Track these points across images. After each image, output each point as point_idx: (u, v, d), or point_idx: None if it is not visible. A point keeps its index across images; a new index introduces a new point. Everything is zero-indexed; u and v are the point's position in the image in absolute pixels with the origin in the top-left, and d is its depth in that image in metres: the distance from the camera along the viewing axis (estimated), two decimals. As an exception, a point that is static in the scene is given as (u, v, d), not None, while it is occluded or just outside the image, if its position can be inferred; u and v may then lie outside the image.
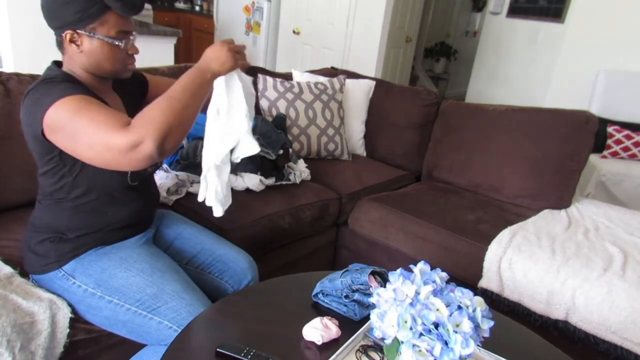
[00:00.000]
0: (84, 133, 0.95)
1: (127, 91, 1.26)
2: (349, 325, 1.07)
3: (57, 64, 1.14)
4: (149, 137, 0.93)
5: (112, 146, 0.94)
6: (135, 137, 0.92)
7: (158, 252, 1.23)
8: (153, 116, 0.95)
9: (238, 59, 1.10)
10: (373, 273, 1.14)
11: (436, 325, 0.78)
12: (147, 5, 4.84)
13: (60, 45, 1.09)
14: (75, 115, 0.96)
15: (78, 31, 1.05)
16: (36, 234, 1.16)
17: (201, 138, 1.80)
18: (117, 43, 1.08)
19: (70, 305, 1.14)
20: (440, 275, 0.87)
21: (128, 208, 1.20)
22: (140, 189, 1.22)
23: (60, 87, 1.00)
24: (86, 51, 1.07)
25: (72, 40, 1.06)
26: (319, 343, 1.00)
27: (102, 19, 1.05)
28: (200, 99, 1.06)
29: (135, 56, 1.16)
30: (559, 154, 2.08)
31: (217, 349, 0.94)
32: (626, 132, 3.12)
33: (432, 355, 0.77)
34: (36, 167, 1.14)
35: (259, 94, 2.36)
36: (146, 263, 1.16)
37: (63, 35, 1.05)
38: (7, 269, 1.18)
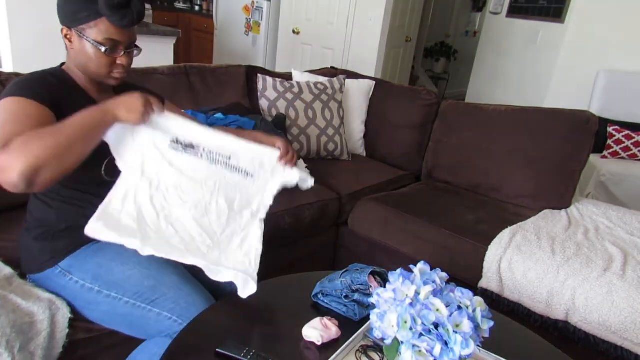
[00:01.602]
0: None
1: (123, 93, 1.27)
2: (349, 325, 1.07)
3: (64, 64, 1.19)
4: (15, 167, 0.87)
5: None
6: (5, 164, 0.87)
7: None
8: (31, 146, 0.89)
9: (147, 116, 1.06)
10: (373, 273, 1.14)
11: (436, 326, 0.78)
12: (147, 5, 4.84)
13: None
14: (3, 114, 0.98)
15: (71, 29, 1.09)
16: (30, 231, 1.17)
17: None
18: (101, 48, 1.09)
19: (69, 304, 1.14)
20: (440, 276, 0.87)
21: None
22: None
23: (25, 85, 1.04)
24: (75, 49, 1.11)
25: (66, 36, 1.11)
26: (319, 343, 1.00)
27: (93, 23, 1.08)
28: (91, 141, 1.00)
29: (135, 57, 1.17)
30: (559, 154, 2.08)
31: (217, 349, 0.94)
32: (626, 132, 3.12)
33: (432, 355, 0.76)
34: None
35: (258, 93, 2.36)
36: (143, 256, 1.16)
37: (61, 29, 1.11)
38: (7, 270, 1.18)
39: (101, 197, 1.10)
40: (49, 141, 0.91)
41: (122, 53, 1.13)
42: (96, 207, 1.07)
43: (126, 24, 1.09)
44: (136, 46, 1.16)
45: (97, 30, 1.08)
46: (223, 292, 1.33)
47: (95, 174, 1.15)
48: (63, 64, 1.19)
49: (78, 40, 1.10)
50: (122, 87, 1.22)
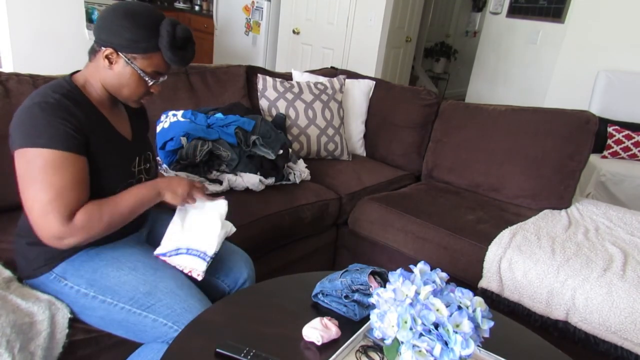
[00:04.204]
0: (46, 190, 0.99)
1: (134, 110, 1.29)
2: (349, 325, 1.07)
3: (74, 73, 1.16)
4: (76, 240, 1.03)
5: (44, 222, 0.99)
6: (67, 236, 1.01)
7: (151, 250, 1.23)
8: (92, 228, 1.03)
9: (186, 200, 1.21)
10: (373, 273, 1.14)
11: (436, 326, 0.78)
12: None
13: (93, 52, 1.11)
14: (42, 171, 0.99)
15: (119, 53, 1.07)
16: (24, 237, 1.15)
17: (201, 138, 1.81)
18: (147, 79, 1.12)
19: (69, 305, 1.14)
20: (440, 276, 0.87)
21: None
22: None
23: (52, 126, 1.00)
24: (115, 72, 1.10)
25: (108, 57, 1.08)
26: (319, 343, 1.00)
27: (147, 55, 1.08)
28: (139, 213, 1.14)
29: None
30: (559, 154, 2.08)
31: (217, 349, 0.94)
32: (626, 132, 3.12)
33: (432, 355, 0.76)
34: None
35: (258, 93, 2.36)
36: (139, 261, 1.16)
37: (102, 49, 1.07)
38: (7, 273, 1.18)
39: None
40: (108, 221, 1.06)
41: (158, 82, 1.15)
42: None
43: (182, 65, 1.12)
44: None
45: (149, 63, 1.09)
46: (222, 294, 1.33)
47: (112, 192, 1.14)
48: (73, 73, 1.15)
49: (122, 65, 1.08)
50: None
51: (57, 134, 1.00)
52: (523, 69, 4.18)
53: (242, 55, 4.82)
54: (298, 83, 2.40)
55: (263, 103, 2.34)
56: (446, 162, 2.37)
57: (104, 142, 1.12)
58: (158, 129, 1.88)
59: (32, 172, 1.00)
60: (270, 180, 1.91)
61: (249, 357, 0.92)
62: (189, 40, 1.10)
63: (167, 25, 1.06)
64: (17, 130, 1.01)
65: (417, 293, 0.82)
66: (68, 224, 1.00)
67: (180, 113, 1.89)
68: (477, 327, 0.79)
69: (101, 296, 1.12)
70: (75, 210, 1.01)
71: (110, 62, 1.08)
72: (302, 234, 1.96)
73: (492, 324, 0.81)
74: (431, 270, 0.88)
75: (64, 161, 1.00)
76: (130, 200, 1.10)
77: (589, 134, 2.06)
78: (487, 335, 0.82)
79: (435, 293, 0.82)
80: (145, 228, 1.34)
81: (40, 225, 1.00)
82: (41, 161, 0.99)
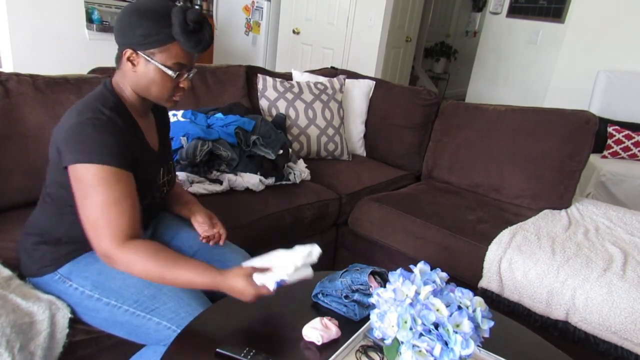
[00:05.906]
0: (91, 207, 1.01)
1: (161, 119, 1.30)
2: (349, 325, 1.07)
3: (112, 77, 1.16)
4: (119, 268, 1.03)
5: (98, 240, 1.01)
6: (117, 258, 1.01)
7: None
8: (144, 270, 1.02)
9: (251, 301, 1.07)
10: (373, 273, 1.14)
11: (436, 326, 0.78)
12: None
13: (118, 59, 1.11)
14: (98, 187, 1.00)
15: (138, 52, 1.07)
16: (32, 236, 1.15)
17: (201, 138, 1.81)
18: (169, 73, 1.09)
19: (69, 305, 1.14)
20: (440, 276, 0.87)
21: None
22: (148, 207, 1.22)
23: (105, 144, 1.01)
24: (139, 72, 1.09)
25: (129, 59, 1.08)
26: (319, 343, 1.00)
27: (164, 48, 1.07)
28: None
29: None
30: (559, 154, 2.08)
31: (217, 349, 0.94)
32: (626, 132, 3.12)
33: (432, 355, 0.76)
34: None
35: (258, 93, 2.36)
36: None
37: (123, 52, 1.08)
38: (6, 272, 1.18)
39: None
40: (156, 275, 1.03)
41: (186, 76, 1.13)
42: None
43: (200, 49, 1.09)
44: (194, 68, 1.16)
45: (167, 55, 1.07)
46: (222, 294, 1.33)
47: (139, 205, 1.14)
48: (109, 79, 1.14)
49: (144, 64, 1.08)
50: (157, 107, 1.24)
51: (109, 151, 1.01)
52: (523, 69, 4.19)
53: (242, 55, 4.82)
54: (298, 83, 2.40)
55: (263, 103, 2.34)
56: (446, 162, 2.37)
57: (140, 156, 1.12)
58: (158, 129, 1.88)
59: (85, 188, 1.01)
60: (270, 180, 1.91)
61: (249, 357, 0.92)
62: (202, 23, 1.07)
63: (177, 12, 1.05)
64: (68, 147, 1.01)
65: (417, 293, 0.82)
66: (120, 247, 1.00)
67: (180, 113, 1.89)
68: (477, 327, 0.79)
69: (105, 298, 1.12)
70: (127, 228, 1.02)
71: (133, 64, 1.08)
72: (302, 234, 1.96)
73: (492, 324, 0.81)
74: (431, 270, 0.88)
75: (114, 176, 1.01)
76: (185, 277, 1.04)
77: (589, 134, 2.06)
78: (487, 335, 0.82)
79: (435, 293, 0.82)
80: (150, 229, 1.33)
81: (92, 242, 1.02)
82: (92, 177, 1.00)
